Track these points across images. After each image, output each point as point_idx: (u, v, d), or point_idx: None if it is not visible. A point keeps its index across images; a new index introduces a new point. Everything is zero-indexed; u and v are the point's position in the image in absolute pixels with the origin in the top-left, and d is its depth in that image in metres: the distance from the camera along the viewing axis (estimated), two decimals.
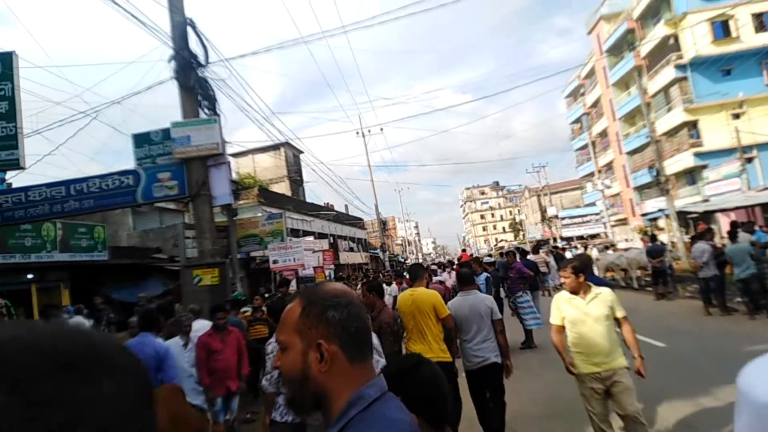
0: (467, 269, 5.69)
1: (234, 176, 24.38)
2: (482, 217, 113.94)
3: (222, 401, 5.53)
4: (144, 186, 9.39)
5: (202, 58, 9.38)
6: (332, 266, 23.04)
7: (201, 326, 6.21)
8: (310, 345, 1.06)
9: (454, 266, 17.05)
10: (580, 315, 4.12)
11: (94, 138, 13.22)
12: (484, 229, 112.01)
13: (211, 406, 5.49)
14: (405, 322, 4.93)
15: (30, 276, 12.12)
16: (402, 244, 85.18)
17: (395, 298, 12.34)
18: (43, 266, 12.40)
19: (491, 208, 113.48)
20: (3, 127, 9.20)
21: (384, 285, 14.52)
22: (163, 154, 9.65)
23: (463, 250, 28.98)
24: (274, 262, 18.07)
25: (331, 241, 33.43)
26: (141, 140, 9.80)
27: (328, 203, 39.42)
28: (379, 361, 3.44)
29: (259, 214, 21.75)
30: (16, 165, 9.98)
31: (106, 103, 10.67)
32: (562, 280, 4.17)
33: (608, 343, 4.04)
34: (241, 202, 24.43)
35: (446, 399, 1.71)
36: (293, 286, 17.03)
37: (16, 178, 12.44)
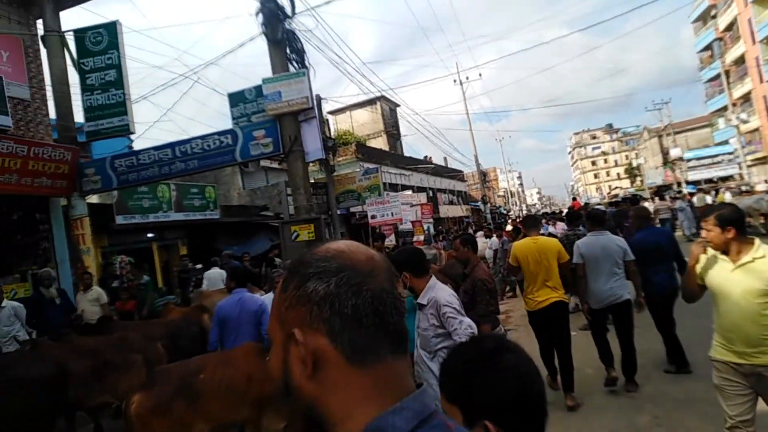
0: (599, 209, 5.54)
1: (332, 133, 24.61)
2: (593, 163, 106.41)
3: None
4: (241, 145, 9.52)
5: (288, 10, 9.12)
6: (431, 220, 22.65)
7: None
8: (289, 336, 0.70)
9: (554, 217, 15.91)
10: (723, 283, 2.93)
11: (196, 100, 13.77)
12: (596, 176, 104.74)
13: None
14: (525, 269, 5.08)
15: (150, 235, 13.12)
16: (504, 196, 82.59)
17: (496, 251, 11.71)
18: (161, 225, 13.35)
19: (604, 153, 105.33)
20: (112, 95, 9.71)
21: (484, 238, 13.92)
22: (257, 112, 9.69)
23: (574, 199, 27.18)
24: (372, 217, 18.07)
25: (430, 194, 32.98)
26: (236, 99, 9.90)
27: (426, 156, 38.81)
28: (463, 321, 2.96)
29: (357, 170, 21.83)
30: (127, 130, 10.64)
31: (203, 64, 10.87)
32: (704, 233, 3.11)
33: (757, 329, 2.79)
34: (339, 158, 24.67)
35: (535, 402, 1.14)
36: (392, 240, 16.97)
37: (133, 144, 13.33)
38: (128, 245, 12.62)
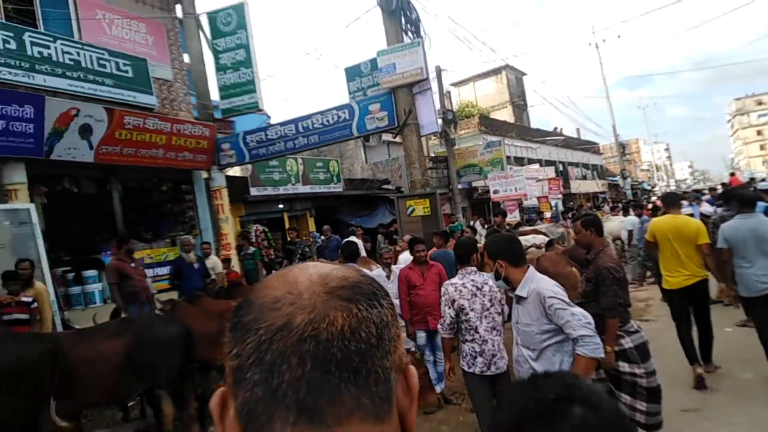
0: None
1: (453, 106, 24.03)
2: (759, 133, 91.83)
3: (426, 337, 5.29)
4: (358, 119, 9.59)
5: None
6: (559, 196, 21.24)
7: (406, 259, 6.09)
8: None
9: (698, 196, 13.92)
10: None
11: (319, 74, 14.20)
12: (762, 147, 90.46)
13: (413, 341, 5.34)
14: (662, 246, 5.02)
15: (281, 206, 13.99)
16: (648, 170, 74.97)
17: (631, 232, 10.58)
18: (291, 197, 14.16)
19: None
20: (242, 74, 10.29)
21: (621, 216, 12.65)
22: (372, 86, 9.67)
23: (732, 174, 23.60)
24: (495, 192, 17.44)
25: (560, 168, 30.94)
26: (352, 74, 9.96)
27: (556, 128, 36.39)
28: (575, 313, 2.58)
29: (480, 143, 21.12)
30: (256, 107, 11.28)
31: (323, 42, 11.08)
32: None
33: None
34: (461, 131, 24.08)
35: None
36: (515, 216, 16.22)
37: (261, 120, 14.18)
38: (262, 215, 13.61)
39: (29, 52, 8.28)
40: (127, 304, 6.79)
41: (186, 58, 11.36)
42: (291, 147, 10.46)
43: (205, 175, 11.57)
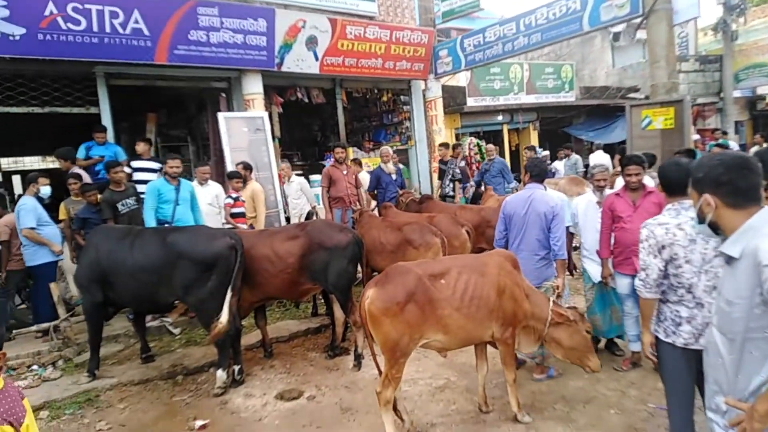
0: None
1: None
2: None
3: (630, 284, 4.17)
4: (591, 8, 7.91)
5: None
6: None
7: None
8: None
9: None
10: None
11: None
12: None
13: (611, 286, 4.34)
14: None
15: (500, 117, 13.06)
16: None
17: None
18: (512, 108, 13.08)
19: None
20: None
21: None
22: None
23: None
24: None
25: None
26: None
27: None
28: None
29: None
30: (477, 6, 10.32)
31: None
32: None
33: None
34: (753, 21, 18.46)
35: None
36: None
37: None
38: (479, 127, 12.97)
39: None
40: (333, 207, 7.21)
41: None
42: (509, 50, 9.35)
43: (423, 86, 11.35)
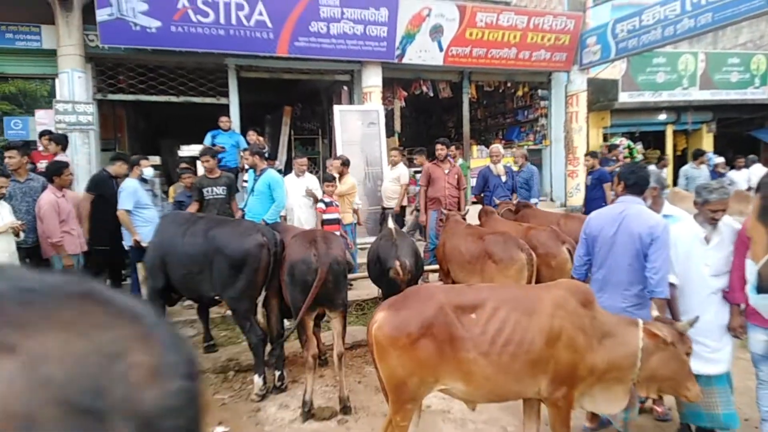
0: None
1: None
2: None
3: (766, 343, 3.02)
4: None
5: None
6: None
7: None
8: None
9: None
10: None
11: None
12: None
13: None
14: None
15: (663, 116, 11.06)
16: None
17: None
18: (680, 105, 11.00)
19: None
20: None
21: None
22: None
23: None
24: None
25: None
26: None
27: None
28: None
29: None
30: None
31: None
32: None
33: None
34: None
35: None
36: None
37: None
38: (635, 126, 11.17)
39: None
40: (429, 208, 6.68)
41: None
42: (671, 34, 7.80)
43: (565, 78, 10.09)
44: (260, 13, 7.56)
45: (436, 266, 5.78)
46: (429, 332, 2.60)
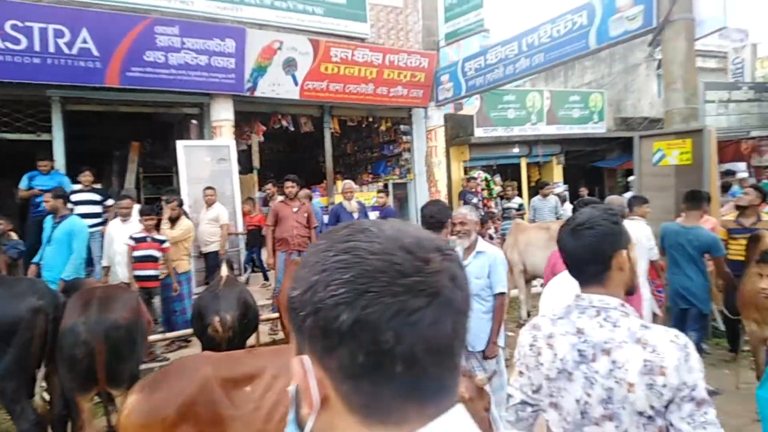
0: None
1: None
2: None
3: None
4: (599, 23, 6.71)
5: None
6: None
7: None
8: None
9: None
10: None
11: None
12: None
13: None
14: None
15: (516, 150, 11.74)
16: None
17: None
18: (530, 140, 11.75)
19: None
20: None
21: None
22: None
23: None
24: None
25: None
26: None
27: None
28: None
29: None
30: (481, 27, 9.33)
31: None
32: None
33: None
34: None
35: None
36: None
37: None
38: (492, 160, 11.71)
39: None
40: (277, 249, 6.22)
41: None
42: (511, 73, 8.22)
43: (424, 114, 10.32)
44: (84, 41, 6.76)
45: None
46: (190, 415, 2.12)
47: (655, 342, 1.31)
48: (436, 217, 3.03)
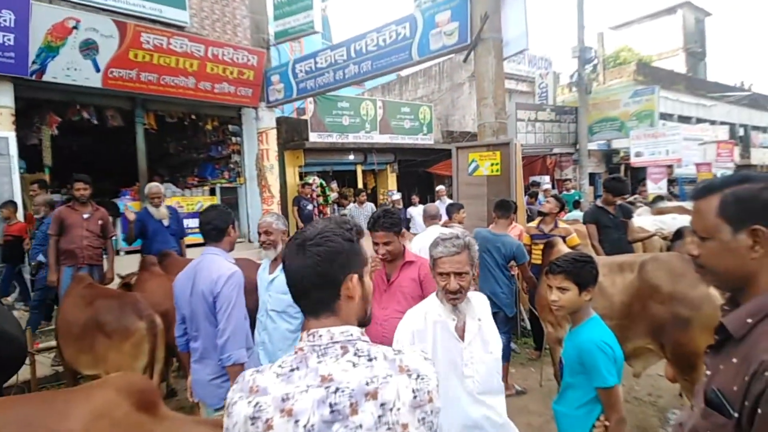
0: None
1: (598, 50, 19.32)
2: None
3: None
4: (420, 36, 6.87)
5: None
6: (730, 164, 15.77)
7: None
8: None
9: None
10: None
11: None
12: None
13: None
14: None
15: (351, 157, 11.78)
16: None
17: None
18: (365, 147, 11.87)
19: None
20: None
21: None
22: None
23: None
24: (637, 154, 13.39)
25: (740, 132, 24.27)
26: None
27: (743, 83, 28.77)
28: None
29: (621, 95, 16.40)
30: (311, 28, 9.08)
31: None
32: None
33: None
34: (612, 81, 19.48)
35: None
36: (660, 187, 12.13)
37: None
38: (328, 166, 11.57)
39: None
40: (62, 264, 5.18)
41: None
42: (340, 78, 8.09)
43: (255, 114, 9.76)
44: None
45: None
46: None
47: (417, 365, 1.08)
48: (213, 223, 2.62)
